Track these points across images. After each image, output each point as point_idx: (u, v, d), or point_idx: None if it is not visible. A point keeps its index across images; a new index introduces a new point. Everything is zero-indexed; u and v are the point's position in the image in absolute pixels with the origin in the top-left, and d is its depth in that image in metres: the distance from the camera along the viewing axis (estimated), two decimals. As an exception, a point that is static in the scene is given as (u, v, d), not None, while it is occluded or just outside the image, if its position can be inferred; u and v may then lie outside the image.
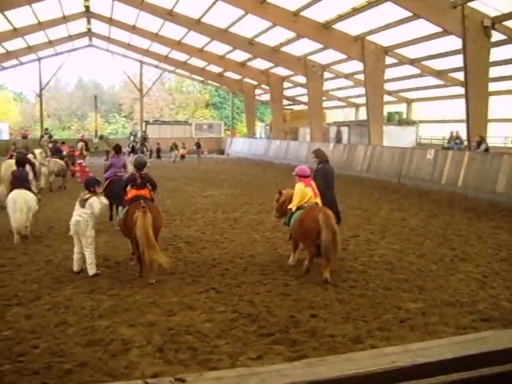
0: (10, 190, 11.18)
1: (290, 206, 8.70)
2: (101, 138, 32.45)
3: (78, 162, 23.73)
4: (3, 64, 42.17)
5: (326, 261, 7.66)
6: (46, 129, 28.26)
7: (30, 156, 16.55)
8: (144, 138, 31.87)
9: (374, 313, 6.33)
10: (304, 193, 8.55)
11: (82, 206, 8.30)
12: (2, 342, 5.58)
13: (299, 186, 8.65)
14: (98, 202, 8.42)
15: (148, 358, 5.15)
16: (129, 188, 8.88)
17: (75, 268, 8.27)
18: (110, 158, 14.22)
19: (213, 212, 14.14)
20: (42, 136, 29.64)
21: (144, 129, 39.97)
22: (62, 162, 19.50)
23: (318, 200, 8.59)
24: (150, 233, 7.73)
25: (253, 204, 15.58)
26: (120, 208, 9.75)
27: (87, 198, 8.36)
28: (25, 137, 22.16)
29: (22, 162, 12.02)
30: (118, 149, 13.60)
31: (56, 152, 20.79)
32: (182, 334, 5.68)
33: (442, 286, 7.42)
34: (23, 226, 10.63)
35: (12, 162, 13.94)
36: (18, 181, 11.18)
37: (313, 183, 8.80)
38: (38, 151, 19.16)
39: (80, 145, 25.31)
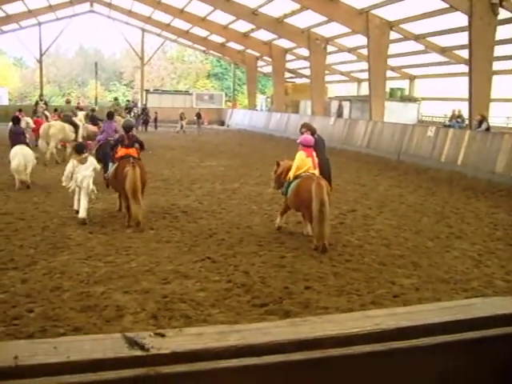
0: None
1: (289, 175, 8.81)
2: (115, 99, 32.65)
3: None
4: (3, 28, 41.65)
5: (314, 230, 7.97)
6: (41, 95, 27.99)
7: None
8: (143, 109, 31.66)
9: (368, 287, 6.36)
10: (304, 162, 8.64)
11: (83, 163, 9.65)
12: (-3, 305, 5.61)
13: (300, 154, 8.73)
14: (95, 161, 10.13)
15: (142, 324, 5.18)
16: (119, 147, 10.10)
17: (76, 206, 9.81)
18: (103, 124, 15.56)
19: (211, 183, 14.13)
20: (37, 102, 29.40)
21: (145, 97, 39.68)
22: (95, 129, 19.53)
23: (317, 172, 8.68)
24: (138, 185, 9.09)
25: (251, 176, 15.56)
26: (110, 164, 10.61)
27: (86, 157, 9.84)
28: (68, 102, 25.76)
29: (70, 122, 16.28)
30: (110, 115, 14.87)
31: (93, 119, 20.89)
32: (176, 302, 5.71)
33: (436, 263, 7.45)
34: (24, 174, 12.44)
35: (61, 123, 17.76)
36: (17, 137, 13.41)
37: (314, 154, 8.84)
38: (81, 113, 21.49)
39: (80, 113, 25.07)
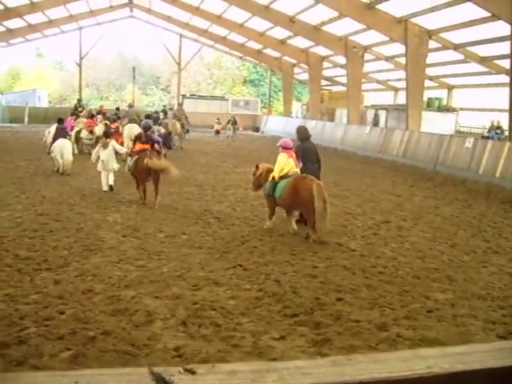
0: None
1: (272, 175, 9.58)
2: (179, 104, 33.85)
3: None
4: (44, 32, 42.59)
5: (316, 225, 8.67)
6: (80, 99, 28.44)
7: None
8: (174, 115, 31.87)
9: (402, 301, 6.22)
10: (287, 163, 9.53)
11: (105, 147, 12.70)
12: (29, 305, 5.66)
13: (283, 156, 9.61)
14: (116, 144, 13.14)
15: (171, 330, 5.16)
16: (137, 143, 12.40)
17: (105, 188, 12.64)
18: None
19: (244, 189, 14.07)
20: (76, 106, 29.89)
21: (181, 102, 39.95)
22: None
23: (298, 170, 9.66)
24: (160, 166, 11.33)
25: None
26: (129, 158, 12.54)
27: (108, 142, 12.83)
28: (131, 106, 26.72)
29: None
30: (147, 117, 18.04)
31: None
32: (206, 309, 5.67)
33: (472, 278, 7.25)
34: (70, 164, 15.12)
35: (133, 125, 20.12)
36: (62, 133, 15.99)
37: (294, 155, 9.76)
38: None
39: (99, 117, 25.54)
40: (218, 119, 38.10)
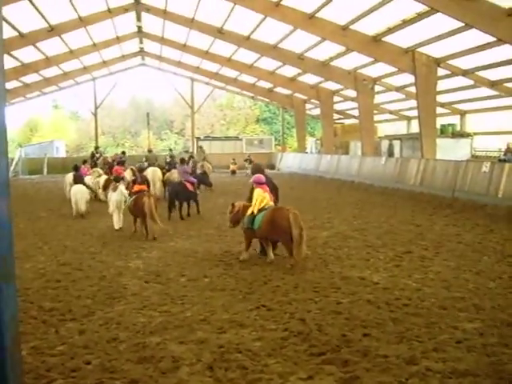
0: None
1: (251, 209, 10.29)
2: (200, 147, 35.74)
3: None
4: (60, 84, 43.79)
5: (294, 251, 9.42)
6: (97, 147, 28.95)
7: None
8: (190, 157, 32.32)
9: (429, 333, 6.13)
10: (263, 197, 10.30)
11: (115, 190, 14.23)
12: (56, 356, 5.67)
13: (259, 191, 10.37)
14: (123, 188, 14.43)
15: (198, 376, 5.13)
16: (135, 185, 14.13)
17: (117, 227, 14.06)
18: (178, 168, 20.11)
19: (263, 228, 14.08)
20: (93, 154, 30.37)
21: (200, 145, 40.63)
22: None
23: (272, 203, 10.46)
24: (153, 209, 12.55)
25: (303, 219, 15.38)
26: (128, 198, 14.05)
27: (117, 186, 14.31)
28: (150, 151, 29.50)
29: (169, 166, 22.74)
30: (182, 161, 19.53)
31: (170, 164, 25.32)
32: (232, 352, 5.64)
33: (500, 305, 7.12)
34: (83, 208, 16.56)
35: (155, 168, 22.12)
36: (79, 179, 18.00)
37: (267, 189, 10.59)
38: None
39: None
40: (234, 159, 38.43)
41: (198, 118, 56.59)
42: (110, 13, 28.96)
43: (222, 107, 71.08)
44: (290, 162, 42.54)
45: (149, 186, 14.54)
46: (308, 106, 43.72)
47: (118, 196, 14.03)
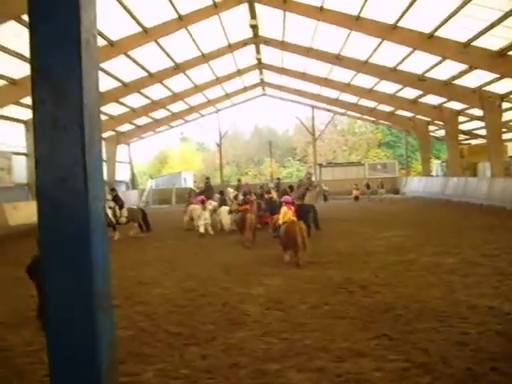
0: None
1: (279, 222, 13.97)
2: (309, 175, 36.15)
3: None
4: (186, 118, 46.15)
5: (298, 254, 12.63)
6: (208, 178, 29.79)
7: None
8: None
9: None
10: (286, 213, 13.65)
11: (204, 210, 19.82)
12: (180, 379, 5.89)
13: (284, 208, 13.84)
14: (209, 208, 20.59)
15: (317, 405, 5.11)
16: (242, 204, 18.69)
17: (201, 230, 19.60)
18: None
19: (386, 254, 13.80)
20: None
21: (309, 175, 40.87)
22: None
23: (295, 218, 13.66)
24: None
25: (429, 245, 14.93)
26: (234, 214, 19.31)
27: (205, 206, 19.97)
28: (239, 180, 32.31)
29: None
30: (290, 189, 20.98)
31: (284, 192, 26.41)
32: (350, 382, 5.55)
33: None
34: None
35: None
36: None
37: (292, 208, 14.11)
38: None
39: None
40: (356, 185, 38.15)
41: (319, 144, 56.91)
42: (231, 47, 30.21)
43: (344, 132, 70.90)
44: (414, 185, 41.44)
45: (251, 206, 18.91)
46: (431, 127, 42.50)
47: (207, 215, 19.99)
